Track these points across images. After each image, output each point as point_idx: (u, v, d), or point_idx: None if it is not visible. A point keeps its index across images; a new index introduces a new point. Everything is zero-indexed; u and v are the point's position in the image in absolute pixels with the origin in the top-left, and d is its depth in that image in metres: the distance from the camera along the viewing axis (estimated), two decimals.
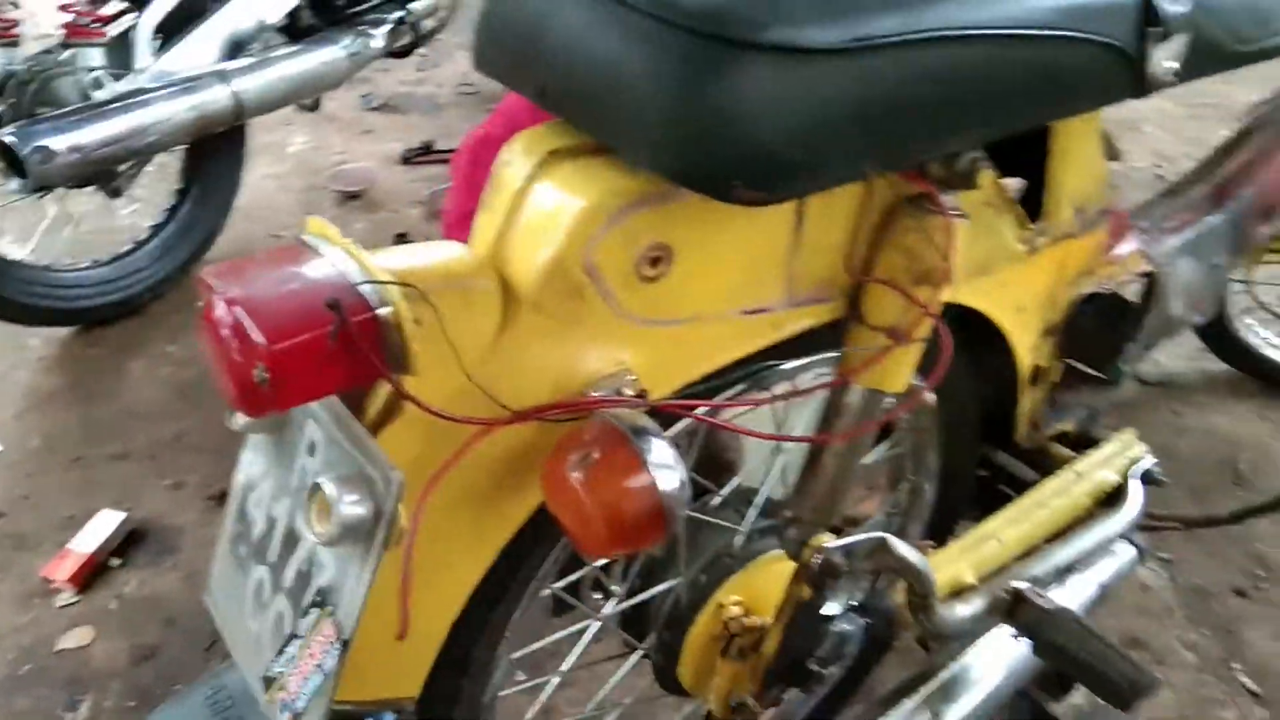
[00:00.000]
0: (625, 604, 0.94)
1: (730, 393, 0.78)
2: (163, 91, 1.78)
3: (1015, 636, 0.99)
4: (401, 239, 2.31)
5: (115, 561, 1.52)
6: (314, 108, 2.82)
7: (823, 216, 0.73)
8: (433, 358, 0.59)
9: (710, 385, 0.75)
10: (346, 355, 0.56)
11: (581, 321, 0.66)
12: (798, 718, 1.18)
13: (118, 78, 1.79)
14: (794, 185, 0.63)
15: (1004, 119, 0.71)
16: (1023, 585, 0.98)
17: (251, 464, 0.70)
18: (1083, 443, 1.18)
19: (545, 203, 0.65)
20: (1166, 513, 1.38)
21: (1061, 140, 0.89)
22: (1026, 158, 0.92)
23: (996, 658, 1.05)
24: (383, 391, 0.64)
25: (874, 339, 0.78)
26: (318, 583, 0.63)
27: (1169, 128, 3.05)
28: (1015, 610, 0.97)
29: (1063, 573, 1.10)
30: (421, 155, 2.64)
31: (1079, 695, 1.40)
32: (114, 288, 1.97)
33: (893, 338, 0.77)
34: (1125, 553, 1.19)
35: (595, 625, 0.95)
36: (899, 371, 0.81)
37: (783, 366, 0.80)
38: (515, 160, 0.67)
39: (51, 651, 1.39)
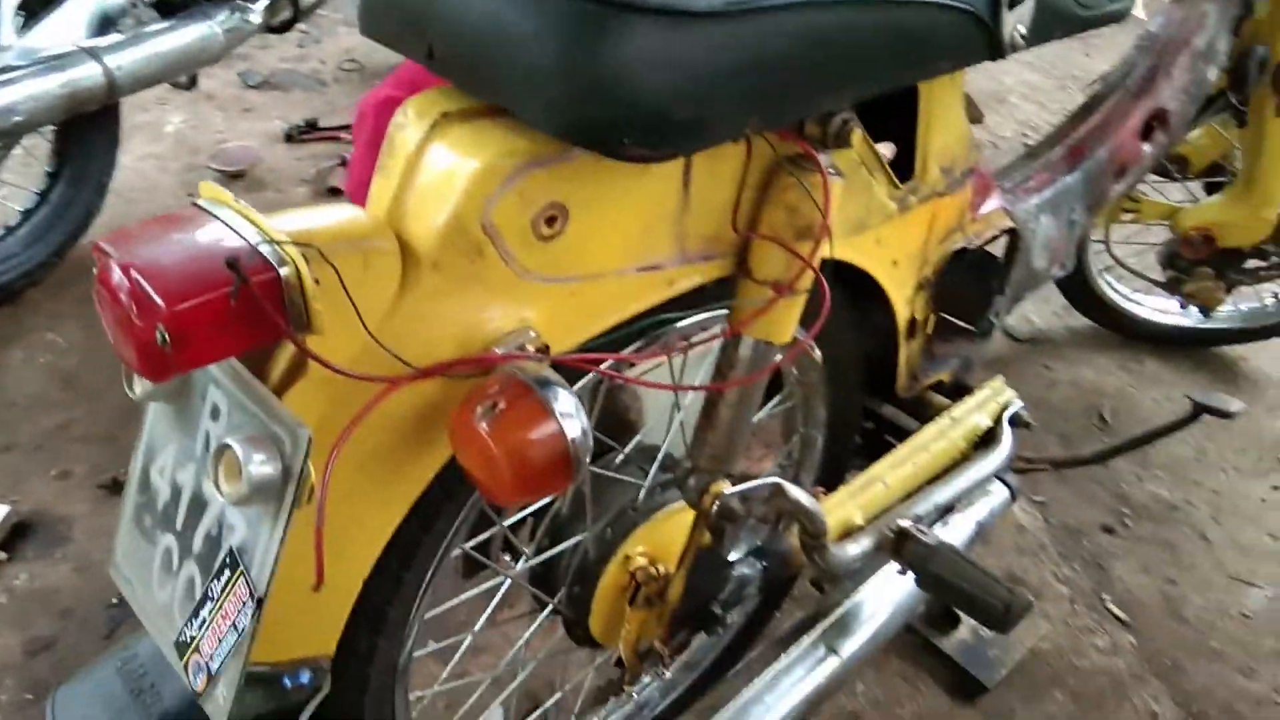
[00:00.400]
0: (535, 561, 0.97)
1: (629, 348, 0.81)
2: (30, 69, 1.70)
3: (901, 572, 1.06)
4: None
5: (2, 555, 1.47)
6: (190, 85, 2.72)
7: (709, 176, 0.77)
8: (334, 318, 0.61)
9: (608, 340, 0.78)
10: (248, 316, 0.57)
11: (482, 280, 0.68)
12: (706, 661, 1.24)
13: None
14: (679, 142, 0.66)
15: (872, 79, 0.76)
16: (906, 523, 1.05)
17: (153, 433, 0.70)
18: (958, 391, 1.26)
19: (441, 164, 0.66)
20: (1036, 455, 1.48)
21: (927, 103, 0.95)
22: (896, 124, 0.98)
23: (885, 593, 1.12)
24: (285, 354, 0.65)
25: (761, 292, 0.82)
26: (228, 544, 0.64)
27: (1035, 99, 3.20)
28: (900, 547, 1.03)
29: (944, 512, 1.17)
30: (306, 133, 2.58)
31: (964, 630, 1.50)
32: None
33: (777, 290, 0.82)
34: (999, 492, 1.27)
35: (507, 584, 0.97)
36: (785, 323, 0.85)
37: (678, 323, 0.84)
38: (409, 123, 0.69)
39: None
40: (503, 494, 0.65)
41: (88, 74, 1.77)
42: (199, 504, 0.66)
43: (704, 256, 0.81)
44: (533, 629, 1.02)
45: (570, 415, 0.64)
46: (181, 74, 2.06)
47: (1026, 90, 3.24)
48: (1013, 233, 1.19)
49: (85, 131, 1.98)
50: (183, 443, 0.67)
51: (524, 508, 0.96)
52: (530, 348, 0.71)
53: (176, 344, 0.55)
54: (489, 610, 0.97)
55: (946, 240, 1.08)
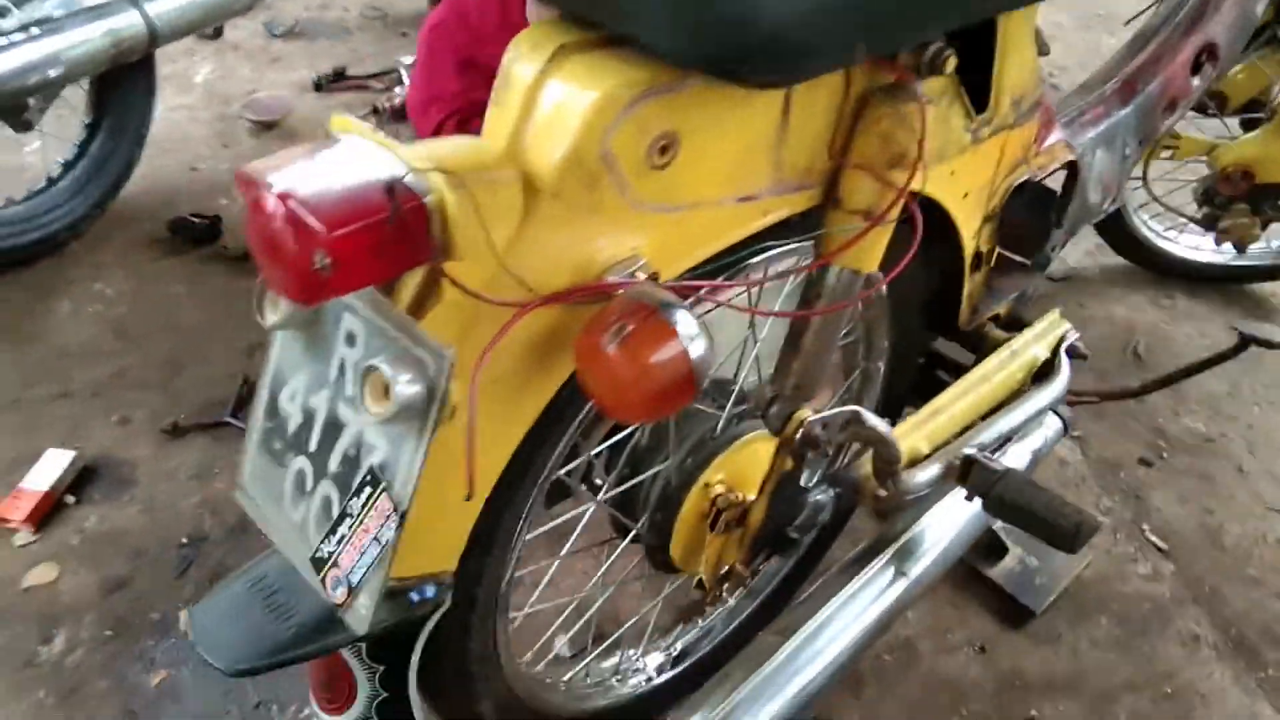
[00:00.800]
0: (618, 490, 1.00)
1: (726, 275, 0.83)
2: (72, 18, 1.71)
3: (968, 498, 1.09)
4: None
5: (70, 499, 1.51)
6: (216, 35, 2.73)
7: (806, 106, 0.79)
8: (468, 245, 0.63)
9: (705, 269, 0.80)
10: (396, 241, 0.59)
11: (598, 210, 0.70)
12: (775, 581, 1.28)
13: (21, 5, 1.71)
14: (795, 68, 0.68)
15: (968, 7, 0.77)
16: (973, 451, 1.08)
17: (280, 361, 0.72)
18: (1012, 325, 1.28)
19: (559, 96, 0.68)
20: (1084, 389, 1.51)
21: (1005, 34, 0.96)
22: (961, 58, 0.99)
23: (950, 518, 1.16)
24: (411, 282, 0.67)
25: (850, 222, 0.84)
26: (368, 463, 0.66)
27: (1061, 39, 3.18)
28: (968, 474, 1.07)
29: (1003, 443, 1.21)
30: (335, 82, 2.58)
31: (1011, 560, 1.54)
32: (30, 226, 1.90)
33: (868, 220, 0.84)
34: (1053, 423, 1.31)
35: (590, 510, 1.01)
36: (872, 252, 0.87)
37: (770, 252, 0.86)
38: (523, 56, 0.70)
39: (18, 590, 1.38)
40: (631, 413, 0.67)
41: (129, 23, 1.78)
42: (334, 427, 0.69)
43: (797, 187, 0.83)
44: (615, 554, 1.06)
45: (694, 336, 0.66)
46: (216, 23, 2.08)
47: (1052, 30, 3.21)
48: (1071, 166, 1.21)
49: (122, 82, 1.99)
50: (315, 369, 0.70)
51: (609, 436, 0.99)
52: (641, 275, 0.73)
53: (335, 268, 0.57)
54: (575, 535, 1.01)
55: (1013, 173, 1.10)
